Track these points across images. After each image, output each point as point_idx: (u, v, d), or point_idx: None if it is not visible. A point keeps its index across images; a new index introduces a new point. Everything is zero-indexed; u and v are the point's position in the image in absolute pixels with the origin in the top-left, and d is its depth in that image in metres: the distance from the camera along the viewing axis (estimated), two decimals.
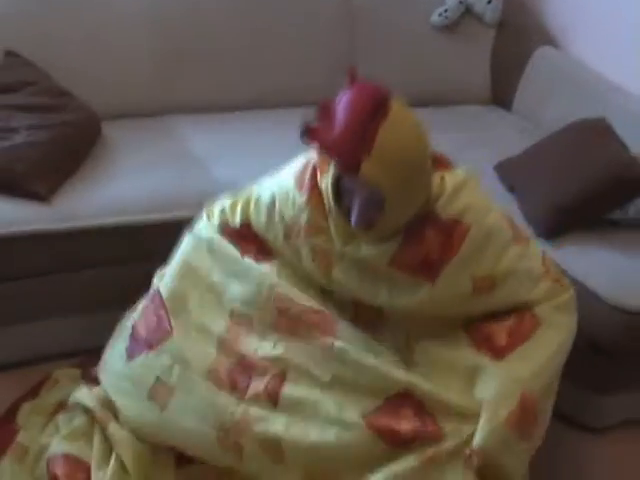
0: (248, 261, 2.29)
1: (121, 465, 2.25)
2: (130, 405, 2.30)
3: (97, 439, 2.30)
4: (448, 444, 2.03)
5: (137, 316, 2.38)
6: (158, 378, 2.25)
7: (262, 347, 2.21)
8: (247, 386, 2.18)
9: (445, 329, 2.18)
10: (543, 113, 3.60)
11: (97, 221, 2.63)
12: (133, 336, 2.34)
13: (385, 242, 2.12)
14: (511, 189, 3.00)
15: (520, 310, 2.15)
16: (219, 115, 3.32)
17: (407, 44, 3.71)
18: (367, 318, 2.22)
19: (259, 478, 2.20)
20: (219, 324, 2.27)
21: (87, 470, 2.27)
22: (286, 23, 3.50)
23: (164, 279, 2.38)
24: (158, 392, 2.25)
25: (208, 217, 2.40)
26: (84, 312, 2.73)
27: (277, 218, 2.25)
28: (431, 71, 3.74)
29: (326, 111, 1.99)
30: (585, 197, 2.74)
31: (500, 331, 2.14)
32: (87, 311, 2.73)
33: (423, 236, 2.10)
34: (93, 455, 2.28)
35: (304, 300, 2.22)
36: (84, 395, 2.40)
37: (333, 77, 3.47)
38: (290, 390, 2.15)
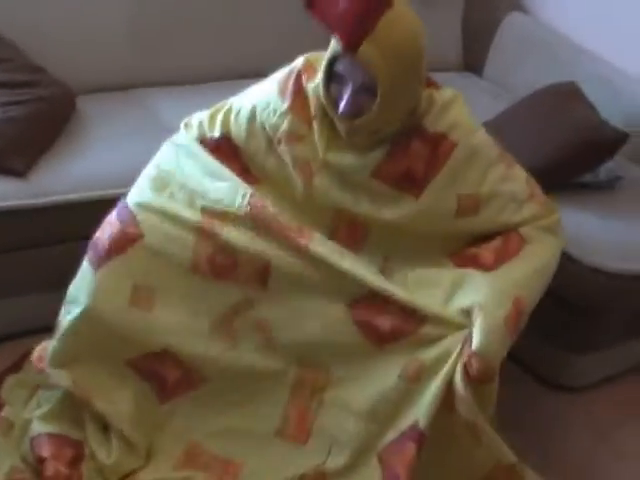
0: (227, 170, 2.24)
1: (123, 438, 2.21)
2: (112, 317, 2.17)
3: (87, 416, 2.25)
4: (430, 352, 2.02)
5: (97, 232, 2.25)
6: (134, 285, 2.16)
7: (240, 239, 2.14)
8: (234, 265, 2.14)
9: (428, 255, 2.18)
10: (514, 78, 3.64)
11: (74, 195, 2.62)
12: (95, 248, 2.21)
13: (370, 152, 2.12)
14: None
15: (505, 231, 2.16)
16: (192, 87, 3.31)
17: None
18: (344, 241, 2.18)
19: (253, 366, 2.16)
20: (193, 215, 2.18)
21: (75, 445, 2.23)
22: None
23: (132, 189, 2.32)
24: (139, 298, 2.17)
25: (186, 129, 2.37)
26: (64, 286, 2.73)
27: (258, 129, 2.23)
28: None
29: None
30: (556, 161, 2.75)
31: (486, 250, 2.15)
32: (67, 285, 2.73)
33: (409, 148, 2.12)
34: (88, 433, 2.24)
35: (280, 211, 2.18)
36: (58, 376, 2.28)
37: (306, 46, 3.50)
38: (276, 273, 2.12)
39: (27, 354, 2.58)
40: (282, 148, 2.19)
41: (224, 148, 2.28)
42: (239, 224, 2.15)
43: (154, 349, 2.18)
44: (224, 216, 2.17)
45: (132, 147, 2.80)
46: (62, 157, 2.73)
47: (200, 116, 2.37)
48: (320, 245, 2.12)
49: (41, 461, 2.21)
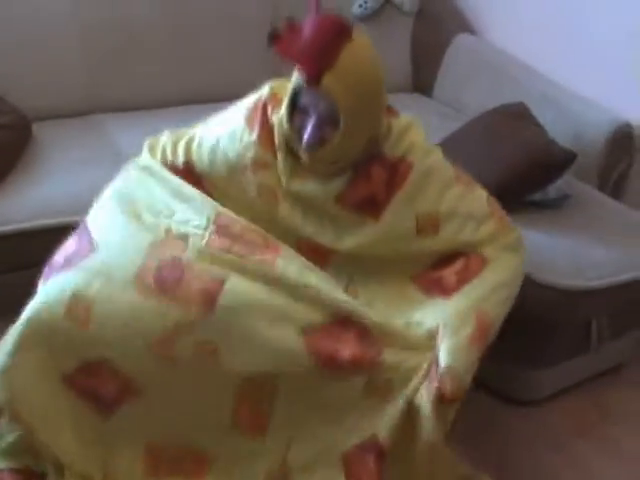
0: (191, 188, 2.26)
1: (76, 474, 2.13)
2: (49, 328, 2.09)
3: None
4: (387, 375, 2.04)
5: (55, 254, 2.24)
6: (73, 294, 2.07)
7: (198, 259, 2.11)
8: (179, 279, 2.07)
9: (391, 278, 2.23)
10: (463, 99, 3.71)
11: (30, 224, 2.65)
12: (50, 265, 2.21)
13: (332, 179, 2.18)
14: None
15: (466, 253, 2.21)
16: (148, 112, 3.36)
17: None
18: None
19: (195, 385, 2.10)
20: (151, 234, 2.16)
21: (39, 477, 2.17)
22: (211, 22, 3.54)
23: (92, 210, 2.31)
24: (77, 309, 2.07)
25: (150, 152, 2.39)
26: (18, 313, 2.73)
27: (220, 157, 2.26)
28: None
29: (293, 26, 2.05)
30: (506, 181, 2.79)
31: (449, 274, 2.20)
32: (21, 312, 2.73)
33: (370, 175, 2.17)
34: (47, 465, 2.16)
35: (248, 223, 2.19)
36: None
37: (259, 72, 3.53)
38: (230, 296, 2.05)
39: None
40: (247, 176, 2.23)
41: (187, 175, 2.31)
42: (199, 247, 2.14)
43: (90, 360, 2.08)
44: (186, 238, 2.16)
45: (89, 174, 2.83)
46: (18, 185, 2.75)
47: (163, 140, 2.40)
48: (288, 260, 2.12)
49: None
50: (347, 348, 2.05)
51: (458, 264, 2.21)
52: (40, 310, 2.10)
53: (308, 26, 2.05)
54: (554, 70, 3.47)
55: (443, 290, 2.19)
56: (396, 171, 2.19)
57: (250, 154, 2.21)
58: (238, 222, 2.19)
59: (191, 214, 2.21)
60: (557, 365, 2.86)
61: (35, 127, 3.02)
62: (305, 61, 2.05)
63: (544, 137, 2.95)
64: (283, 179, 2.20)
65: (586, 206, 2.98)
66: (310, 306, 2.09)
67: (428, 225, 2.21)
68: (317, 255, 2.22)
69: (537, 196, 2.90)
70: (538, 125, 3.02)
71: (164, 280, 2.06)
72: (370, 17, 3.84)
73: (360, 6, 3.80)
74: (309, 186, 2.19)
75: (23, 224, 2.64)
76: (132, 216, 2.22)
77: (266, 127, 2.22)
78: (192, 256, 2.11)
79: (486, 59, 3.73)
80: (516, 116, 3.06)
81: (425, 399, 2.01)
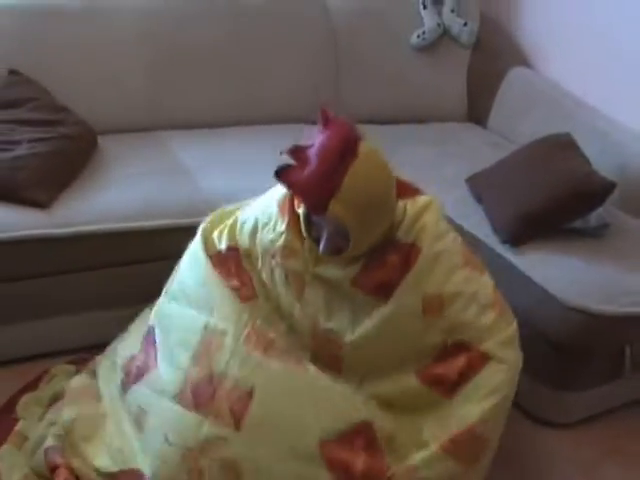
0: (228, 293, 2.39)
1: None
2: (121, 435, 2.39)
3: None
4: None
5: (137, 350, 2.50)
6: (139, 407, 2.38)
7: (230, 365, 2.29)
8: (211, 398, 2.26)
9: (397, 374, 2.29)
10: (516, 130, 3.78)
11: (93, 227, 2.77)
12: (127, 371, 2.48)
13: (349, 265, 2.26)
14: (480, 200, 3.17)
15: (467, 349, 2.25)
16: (207, 130, 3.49)
17: (387, 64, 3.89)
18: (326, 364, 2.32)
19: None
20: (193, 341, 2.36)
21: None
22: (273, 44, 3.67)
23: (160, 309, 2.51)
24: (139, 418, 2.37)
25: (202, 237, 2.50)
26: (82, 311, 2.87)
27: (258, 241, 2.38)
28: (410, 90, 3.92)
29: (299, 154, 2.14)
30: (547, 208, 2.89)
31: (451, 371, 2.25)
32: (85, 310, 2.87)
33: (384, 260, 2.25)
34: None
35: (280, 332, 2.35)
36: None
37: (317, 95, 3.67)
38: (257, 411, 2.23)
39: (42, 375, 2.75)
40: (276, 261, 2.34)
41: (229, 260, 2.43)
42: (233, 347, 2.31)
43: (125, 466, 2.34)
44: (223, 335, 2.33)
45: (148, 185, 2.99)
46: (83, 191, 2.89)
47: (213, 230, 2.52)
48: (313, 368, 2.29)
49: (54, 469, 2.36)
50: (359, 459, 2.21)
51: (459, 361, 2.26)
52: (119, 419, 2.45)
53: (313, 153, 2.12)
54: (605, 104, 3.55)
55: (445, 389, 2.26)
56: (408, 256, 2.26)
57: (281, 241, 2.30)
58: (268, 332, 2.33)
59: (232, 315, 2.36)
60: (590, 389, 2.90)
61: (100, 139, 3.17)
62: (308, 198, 2.15)
63: (586, 167, 3.03)
64: (309, 264, 2.30)
65: (626, 235, 3.04)
66: (334, 412, 2.25)
67: (433, 305, 2.26)
68: (332, 358, 2.33)
69: (578, 224, 2.97)
70: (582, 155, 3.10)
71: (200, 394, 2.28)
72: (428, 48, 3.95)
73: (418, 37, 3.91)
74: (330, 271, 2.28)
75: (86, 227, 2.77)
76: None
77: (293, 217, 2.32)
78: (226, 357, 2.29)
79: (540, 92, 3.81)
80: (561, 146, 3.14)
81: None
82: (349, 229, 2.15)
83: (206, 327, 2.36)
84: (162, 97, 3.46)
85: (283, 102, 3.69)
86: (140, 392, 2.40)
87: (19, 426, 2.56)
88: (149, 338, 2.48)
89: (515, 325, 2.34)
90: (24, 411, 2.61)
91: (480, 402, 2.24)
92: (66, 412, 2.49)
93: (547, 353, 2.82)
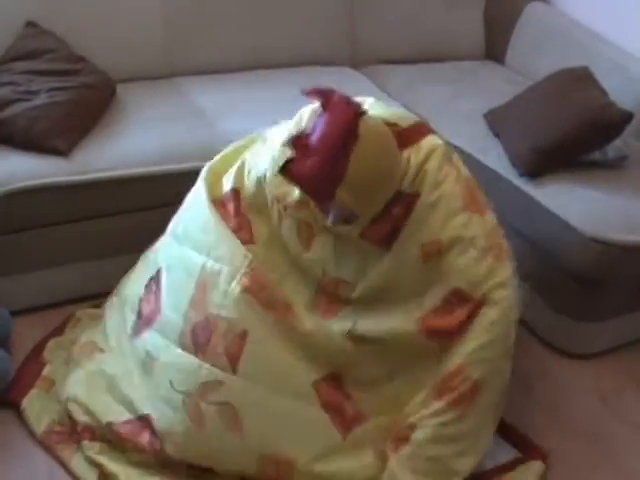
0: (228, 234, 2.42)
1: None
2: (130, 381, 2.45)
3: None
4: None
5: (143, 292, 2.55)
6: (148, 352, 2.43)
7: (224, 306, 2.33)
8: (208, 341, 2.32)
9: (397, 320, 2.32)
10: (534, 66, 3.76)
11: (112, 173, 2.79)
12: (139, 313, 2.53)
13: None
14: (498, 135, 3.17)
15: (466, 301, 2.28)
16: (224, 75, 3.49)
17: (403, 2, 3.86)
18: (324, 306, 2.38)
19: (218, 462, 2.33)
20: (191, 284, 2.40)
21: None
22: None
23: (165, 253, 2.56)
24: (147, 364, 2.42)
25: (205, 181, 2.53)
26: (102, 258, 2.91)
27: (267, 190, 2.38)
28: (427, 29, 3.91)
29: (300, 144, 2.14)
30: (564, 140, 2.90)
31: (449, 323, 2.29)
32: (104, 257, 2.92)
33: (390, 213, 2.27)
34: None
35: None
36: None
37: (332, 37, 3.67)
38: (250, 352, 2.30)
39: (68, 319, 2.81)
40: (287, 212, 2.36)
41: (229, 203, 2.46)
42: (226, 288, 2.35)
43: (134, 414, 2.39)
44: (218, 275, 2.37)
45: (167, 129, 3.01)
46: (102, 138, 2.92)
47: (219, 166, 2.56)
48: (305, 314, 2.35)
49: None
50: (349, 404, 2.32)
51: (459, 314, 2.28)
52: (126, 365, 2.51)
53: (315, 142, 2.11)
54: (621, 36, 3.53)
55: (442, 341, 2.30)
56: (410, 205, 2.28)
57: (296, 194, 2.29)
58: (268, 278, 2.36)
59: (228, 254, 2.39)
60: (610, 320, 2.94)
61: (118, 87, 3.18)
62: (313, 191, 2.17)
63: (603, 99, 3.01)
64: (319, 218, 2.30)
65: None
66: (325, 355, 2.33)
67: (432, 250, 2.29)
68: (331, 303, 2.38)
69: (596, 156, 2.98)
70: (599, 88, 3.08)
71: (197, 335, 2.34)
72: None
73: None
74: (339, 226, 2.28)
75: (106, 173, 2.79)
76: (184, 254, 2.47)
77: None
78: (219, 298, 2.34)
79: (556, 27, 3.78)
80: (578, 79, 3.13)
81: None
82: (355, 210, 2.18)
83: (203, 268, 2.40)
84: (179, 44, 3.46)
85: (298, 45, 3.67)
86: (149, 338, 2.45)
87: (46, 371, 2.62)
88: (156, 280, 2.51)
89: (512, 267, 2.34)
90: (51, 355, 2.67)
91: (469, 342, 2.27)
92: (70, 386, 2.52)
93: (567, 284, 2.85)
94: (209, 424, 2.28)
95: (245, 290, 2.33)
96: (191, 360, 2.33)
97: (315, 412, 2.30)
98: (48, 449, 2.41)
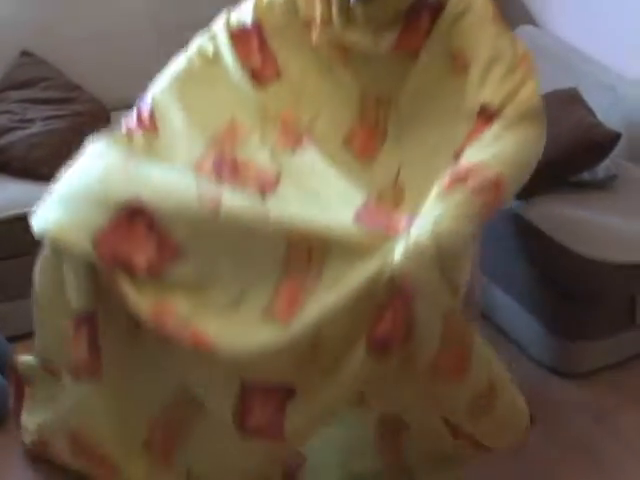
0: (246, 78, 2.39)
1: None
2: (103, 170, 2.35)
3: None
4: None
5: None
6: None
7: (257, 157, 2.27)
8: (234, 172, 2.23)
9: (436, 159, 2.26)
10: None
11: None
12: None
13: (385, 31, 2.31)
14: None
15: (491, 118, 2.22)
16: None
17: None
18: (363, 143, 2.38)
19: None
20: (215, 123, 2.35)
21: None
22: None
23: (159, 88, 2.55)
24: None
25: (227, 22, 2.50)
26: None
27: (292, 12, 2.40)
28: None
29: None
30: (553, 160, 2.84)
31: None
32: None
33: (419, 21, 2.29)
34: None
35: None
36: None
37: None
38: (285, 185, 2.20)
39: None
40: (315, 32, 2.37)
41: (251, 37, 2.43)
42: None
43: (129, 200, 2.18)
44: (250, 129, 2.35)
45: None
46: None
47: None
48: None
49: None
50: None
51: (487, 139, 2.21)
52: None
53: None
54: (610, 58, 3.56)
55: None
56: (437, 12, 2.29)
57: (318, 11, 2.33)
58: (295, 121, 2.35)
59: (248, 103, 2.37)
60: (602, 339, 2.94)
61: (113, 115, 3.21)
62: None
63: (590, 119, 3.04)
64: (337, 28, 2.32)
65: (634, 186, 3.07)
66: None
67: (459, 64, 2.27)
68: (369, 139, 2.37)
69: (586, 176, 3.00)
70: (588, 108, 3.11)
71: (221, 170, 2.23)
72: None
73: None
74: (367, 39, 2.31)
75: None
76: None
77: None
78: (250, 155, 2.27)
79: (546, 49, 3.79)
80: (567, 100, 3.15)
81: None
82: None
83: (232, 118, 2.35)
84: None
85: None
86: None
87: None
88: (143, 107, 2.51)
89: (539, 96, 2.32)
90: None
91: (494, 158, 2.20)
92: None
93: (560, 303, 2.88)
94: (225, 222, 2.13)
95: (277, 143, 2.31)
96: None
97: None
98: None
